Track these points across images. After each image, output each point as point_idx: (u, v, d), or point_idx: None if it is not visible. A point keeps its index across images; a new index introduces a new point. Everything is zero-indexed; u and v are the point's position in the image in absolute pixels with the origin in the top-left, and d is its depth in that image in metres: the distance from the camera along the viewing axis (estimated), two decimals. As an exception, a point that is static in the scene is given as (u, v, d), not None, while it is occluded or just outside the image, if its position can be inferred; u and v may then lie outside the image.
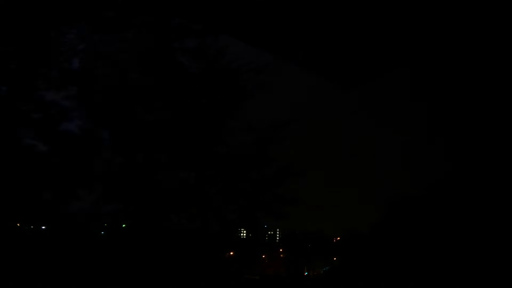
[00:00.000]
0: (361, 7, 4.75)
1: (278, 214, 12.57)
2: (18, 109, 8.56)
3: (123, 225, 9.52)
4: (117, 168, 8.79)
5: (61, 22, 9.73)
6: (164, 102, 10.69)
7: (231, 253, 16.60)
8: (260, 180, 12.08)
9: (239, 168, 11.55)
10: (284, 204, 12.48)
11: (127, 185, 8.93)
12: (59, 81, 9.40)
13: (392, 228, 22.23)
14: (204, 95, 11.65)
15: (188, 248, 10.87)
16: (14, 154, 8.31)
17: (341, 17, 4.96)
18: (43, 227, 9.75)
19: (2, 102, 8.26)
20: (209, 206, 10.84)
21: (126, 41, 10.91)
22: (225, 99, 12.00)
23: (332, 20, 5.06)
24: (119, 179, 8.76)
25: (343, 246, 25.54)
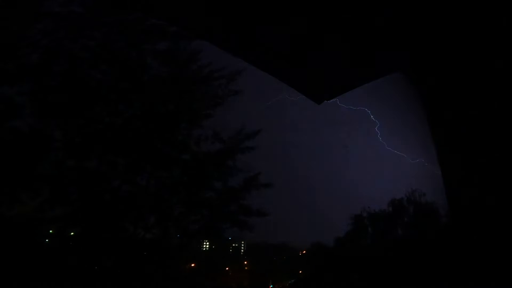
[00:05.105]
0: (337, 20, 4.59)
1: (243, 225, 12.24)
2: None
3: (71, 233, 8.76)
4: (67, 170, 8.11)
5: (24, 16, 9.10)
6: (127, 104, 10.16)
7: (193, 265, 15.96)
8: (225, 190, 11.70)
9: (204, 177, 11.12)
10: (249, 216, 12.16)
11: (77, 188, 8.24)
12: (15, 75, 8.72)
13: (357, 241, 22.46)
14: (172, 100, 11.22)
15: (145, 261, 10.21)
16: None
17: (316, 30, 4.78)
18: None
19: None
20: (169, 215, 10.28)
21: (93, 39, 10.37)
22: (194, 105, 11.61)
23: (307, 33, 4.87)
24: (69, 182, 8.06)
25: (309, 259, 25.50)
